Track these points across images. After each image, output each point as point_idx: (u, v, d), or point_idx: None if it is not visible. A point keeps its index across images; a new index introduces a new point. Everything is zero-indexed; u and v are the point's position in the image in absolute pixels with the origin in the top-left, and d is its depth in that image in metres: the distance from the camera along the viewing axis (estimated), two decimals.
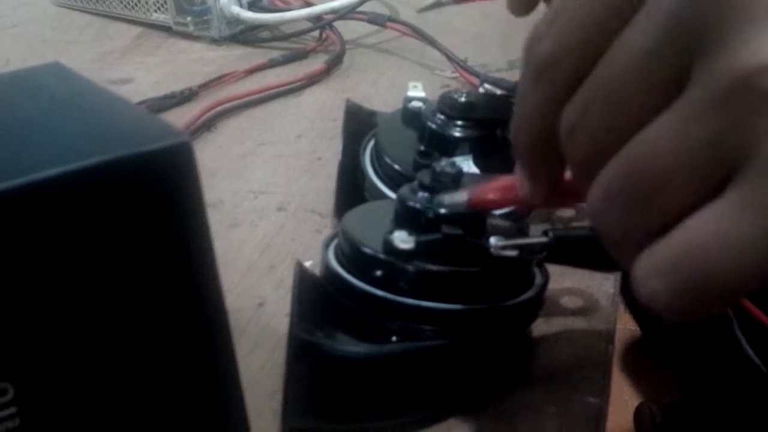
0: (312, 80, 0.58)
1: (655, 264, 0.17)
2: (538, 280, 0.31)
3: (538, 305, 0.31)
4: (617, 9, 0.19)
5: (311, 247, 0.38)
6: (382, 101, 0.54)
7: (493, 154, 0.36)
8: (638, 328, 1.01)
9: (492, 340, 0.30)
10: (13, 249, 0.19)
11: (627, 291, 0.37)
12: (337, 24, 0.65)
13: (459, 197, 0.28)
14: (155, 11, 0.69)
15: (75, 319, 0.20)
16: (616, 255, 0.19)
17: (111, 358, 0.21)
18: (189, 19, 0.66)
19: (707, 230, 0.16)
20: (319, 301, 0.30)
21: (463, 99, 0.36)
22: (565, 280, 0.36)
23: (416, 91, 0.38)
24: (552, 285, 0.35)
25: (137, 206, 0.21)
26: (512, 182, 0.26)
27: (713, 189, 0.16)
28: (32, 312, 0.20)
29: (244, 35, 0.67)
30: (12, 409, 0.20)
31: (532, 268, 0.31)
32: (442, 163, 0.30)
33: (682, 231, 0.17)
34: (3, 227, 0.19)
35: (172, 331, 0.22)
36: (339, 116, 0.44)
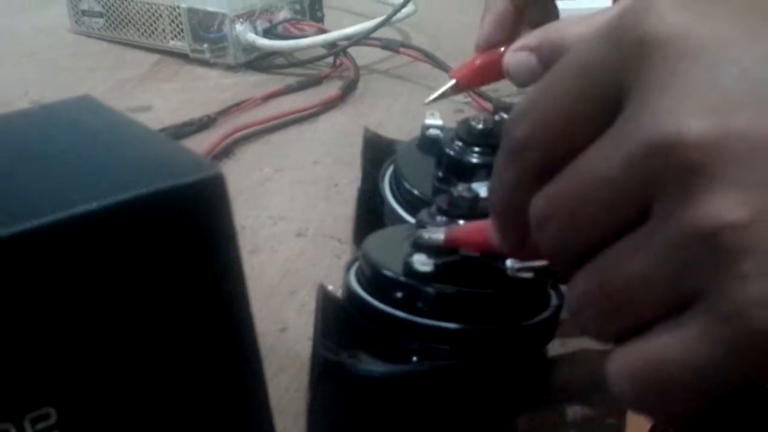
0: (327, 106, 0.59)
1: (623, 367, 0.19)
2: (554, 301, 0.32)
3: (553, 326, 0.32)
4: (585, 118, 0.20)
5: (331, 272, 0.39)
6: (396, 127, 0.55)
7: None
8: None
9: (509, 360, 0.31)
10: (56, 280, 0.20)
11: None
12: (351, 50, 0.66)
13: (436, 235, 0.29)
14: (172, 39, 0.70)
15: (114, 344, 0.21)
16: (597, 340, 0.20)
17: (148, 381, 0.22)
18: (205, 46, 0.67)
19: (668, 348, 0.18)
20: (342, 322, 0.31)
21: (480, 126, 0.36)
22: None
23: (434, 119, 0.39)
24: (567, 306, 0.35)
25: (172, 237, 0.22)
26: (487, 228, 0.26)
27: (677, 307, 0.18)
28: (74, 340, 0.20)
29: (259, 62, 0.68)
30: None
31: (548, 290, 0.32)
32: (460, 189, 0.31)
33: (648, 342, 0.18)
34: (45, 260, 0.20)
35: (205, 355, 0.23)
36: (355, 142, 0.45)
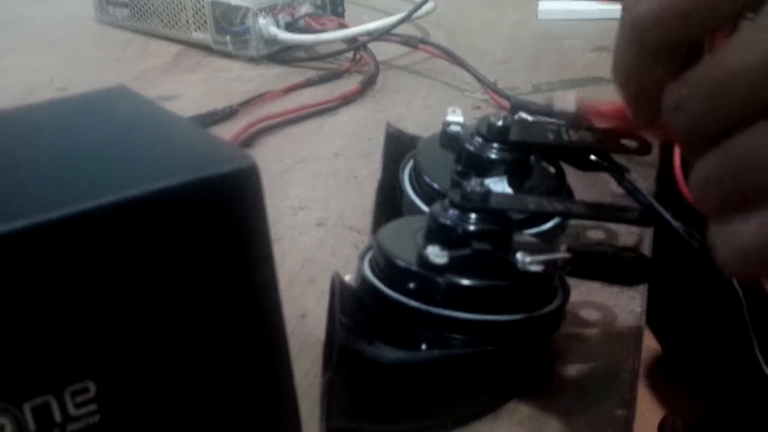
0: (347, 100, 0.60)
1: (736, 238, 0.20)
2: (560, 293, 0.33)
3: (559, 317, 0.33)
4: None
5: (350, 261, 0.40)
6: (415, 122, 0.56)
7: (526, 176, 0.38)
8: (659, 347, 1.02)
9: (516, 349, 0.32)
10: (96, 263, 0.21)
11: (650, 310, 0.39)
12: (371, 45, 0.67)
13: (569, 105, 0.30)
14: (195, 30, 0.71)
15: (151, 325, 0.22)
16: (714, 221, 0.21)
17: (180, 361, 0.23)
18: (228, 38, 0.68)
19: None
20: (356, 310, 0.32)
21: (499, 123, 0.37)
22: (593, 298, 0.38)
23: (455, 116, 0.40)
24: (581, 302, 0.37)
25: (208, 225, 0.23)
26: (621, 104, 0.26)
27: None
28: (114, 318, 0.22)
29: (281, 55, 0.69)
30: (93, 406, 0.22)
31: (555, 283, 0.33)
32: (472, 183, 0.32)
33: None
34: (87, 244, 0.21)
35: (235, 338, 0.24)
36: (374, 135, 0.46)
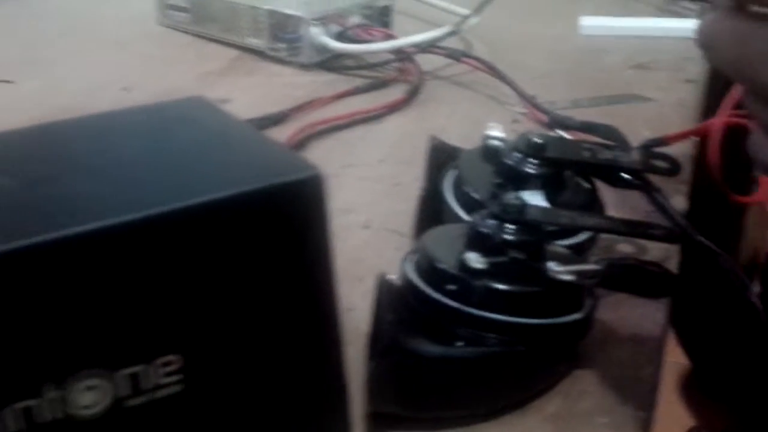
0: (392, 109, 0.63)
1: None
2: (589, 302, 0.36)
3: (587, 324, 0.36)
4: None
5: (393, 262, 0.43)
6: (456, 133, 0.59)
7: (561, 190, 0.41)
8: (689, 361, 1.04)
9: (545, 351, 0.35)
10: (189, 255, 0.25)
11: (679, 324, 0.41)
12: (416, 56, 0.70)
13: None
14: (250, 36, 0.75)
15: (228, 310, 0.26)
16: None
17: (251, 340, 0.27)
18: (282, 45, 0.72)
19: None
20: (400, 308, 0.35)
21: (538, 141, 0.40)
22: (619, 309, 0.40)
23: (495, 131, 0.43)
24: (608, 311, 0.39)
25: (281, 226, 0.26)
26: None
27: None
28: (197, 303, 0.25)
29: (330, 62, 0.73)
30: (178, 377, 0.25)
31: (585, 293, 0.36)
32: (510, 196, 0.35)
33: None
34: (179, 241, 0.25)
35: (300, 325, 0.27)
36: (417, 144, 0.49)
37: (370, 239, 0.46)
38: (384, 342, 0.32)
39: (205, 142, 0.30)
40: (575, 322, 0.35)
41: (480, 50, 0.74)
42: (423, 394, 0.34)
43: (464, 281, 0.33)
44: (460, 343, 0.34)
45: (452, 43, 0.73)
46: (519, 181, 0.40)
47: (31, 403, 0.23)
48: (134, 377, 0.24)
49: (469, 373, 0.33)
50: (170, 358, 0.25)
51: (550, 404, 0.34)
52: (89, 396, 0.24)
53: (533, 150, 0.40)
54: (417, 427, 0.34)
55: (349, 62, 0.73)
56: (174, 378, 0.25)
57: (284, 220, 0.26)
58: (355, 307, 0.40)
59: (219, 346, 0.26)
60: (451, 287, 0.34)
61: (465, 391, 0.34)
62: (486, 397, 0.34)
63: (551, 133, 0.49)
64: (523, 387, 0.35)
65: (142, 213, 0.24)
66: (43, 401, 0.23)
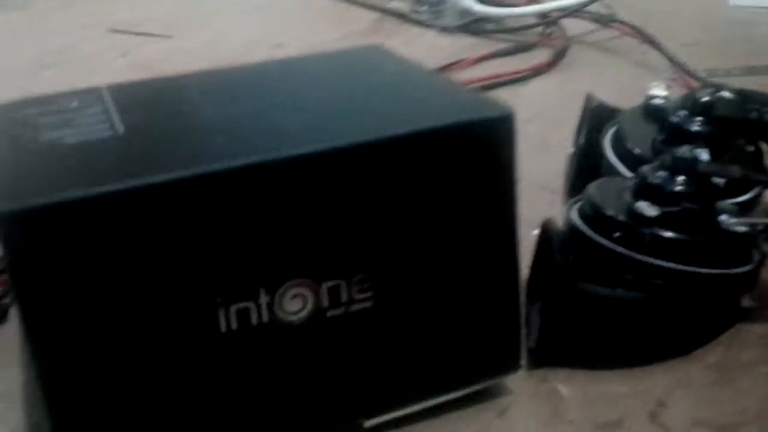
0: (537, 71, 0.64)
1: None
2: (756, 257, 0.36)
3: (753, 278, 0.36)
4: None
5: (545, 215, 0.44)
6: (603, 97, 0.58)
7: (726, 151, 0.40)
8: None
9: (710, 300, 0.35)
10: (388, 183, 0.27)
11: None
12: (561, 21, 0.70)
13: None
14: None
15: (417, 234, 0.28)
16: None
17: (437, 262, 0.28)
18: (425, 8, 0.73)
19: None
20: (566, 252, 0.36)
21: (705, 98, 0.40)
22: None
23: (658, 90, 0.43)
24: None
25: (472, 161, 0.28)
26: None
27: None
28: (390, 227, 0.27)
29: (471, 26, 0.73)
30: (370, 293, 0.27)
31: (754, 247, 0.36)
32: (682, 149, 0.35)
33: None
34: (381, 170, 0.26)
35: (485, 251, 0.29)
36: (564, 106, 0.49)
37: (522, 194, 0.47)
38: (554, 282, 0.33)
39: (396, 84, 0.32)
40: (743, 274, 0.34)
41: (623, 16, 0.73)
42: (587, 333, 0.34)
43: (634, 229, 0.34)
44: (621, 289, 0.34)
45: (595, 10, 0.72)
46: (684, 139, 0.40)
47: (248, 304, 0.25)
48: (334, 290, 0.27)
49: (635, 316, 0.34)
50: (365, 275, 0.27)
51: (713, 353, 0.35)
52: (296, 303, 0.26)
53: (700, 108, 0.40)
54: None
55: (490, 26, 0.74)
56: (367, 294, 0.27)
57: (479, 154, 0.28)
58: None
59: (407, 269, 0.28)
60: (617, 234, 0.34)
61: (628, 334, 0.34)
62: (650, 341, 0.35)
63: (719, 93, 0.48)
64: (687, 334, 0.35)
65: (350, 139, 0.26)
66: (257, 304, 0.26)
